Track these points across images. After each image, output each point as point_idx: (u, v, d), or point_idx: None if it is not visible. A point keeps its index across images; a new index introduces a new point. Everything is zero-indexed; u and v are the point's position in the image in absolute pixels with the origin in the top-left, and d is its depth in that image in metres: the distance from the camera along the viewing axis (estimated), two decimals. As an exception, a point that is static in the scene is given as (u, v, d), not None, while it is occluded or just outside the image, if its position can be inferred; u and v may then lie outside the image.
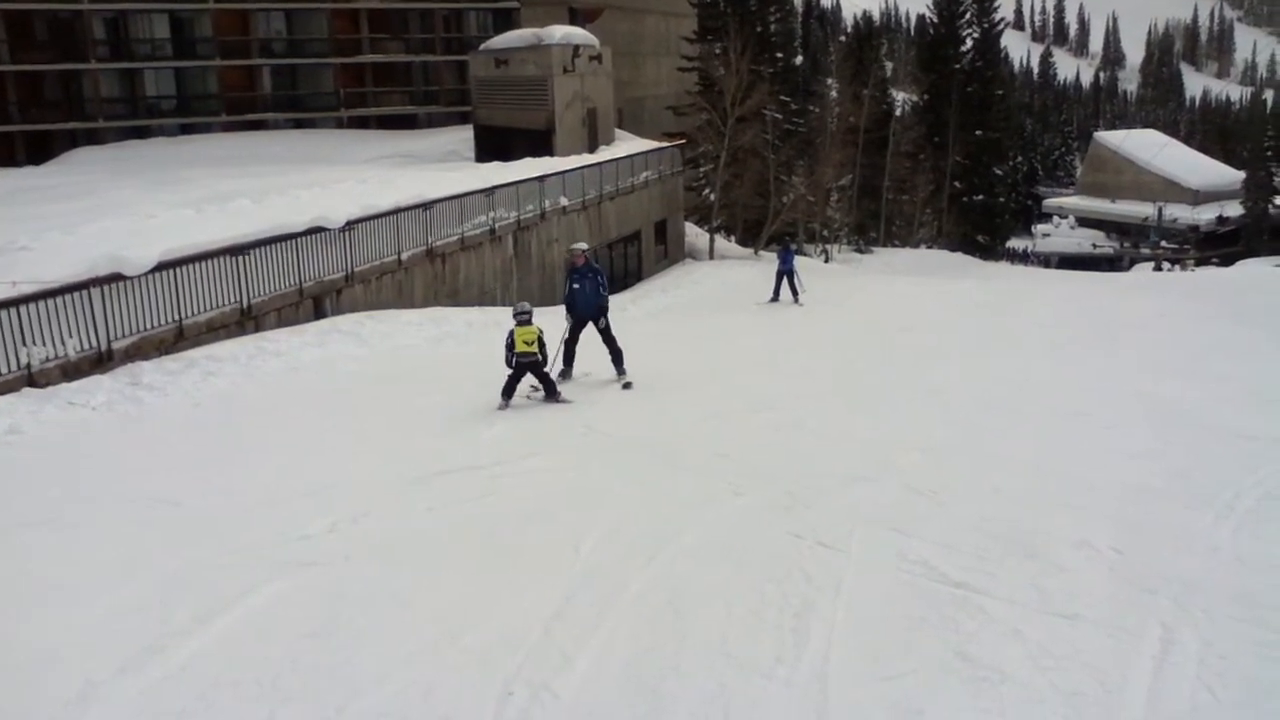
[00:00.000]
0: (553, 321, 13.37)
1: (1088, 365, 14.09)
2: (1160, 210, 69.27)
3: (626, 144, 35.60)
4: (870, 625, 5.54)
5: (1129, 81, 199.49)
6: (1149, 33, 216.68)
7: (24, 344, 11.50)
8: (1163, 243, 65.51)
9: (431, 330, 16.98)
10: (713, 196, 38.70)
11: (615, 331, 13.09)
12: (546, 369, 11.84)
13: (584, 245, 13.53)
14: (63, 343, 12.01)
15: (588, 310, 12.98)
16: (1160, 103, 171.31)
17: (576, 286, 12.96)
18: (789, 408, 11.34)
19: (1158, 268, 50.42)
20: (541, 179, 25.26)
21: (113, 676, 5.13)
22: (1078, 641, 5.30)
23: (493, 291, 22.39)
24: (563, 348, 12.99)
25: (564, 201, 26.25)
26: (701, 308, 25.34)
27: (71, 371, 12.02)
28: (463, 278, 21.26)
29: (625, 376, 12.83)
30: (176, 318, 13.68)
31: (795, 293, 23.28)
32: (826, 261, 42.46)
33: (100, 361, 12.45)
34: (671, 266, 34.57)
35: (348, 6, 42.65)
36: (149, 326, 13.23)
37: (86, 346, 12.33)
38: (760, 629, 5.54)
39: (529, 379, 11.80)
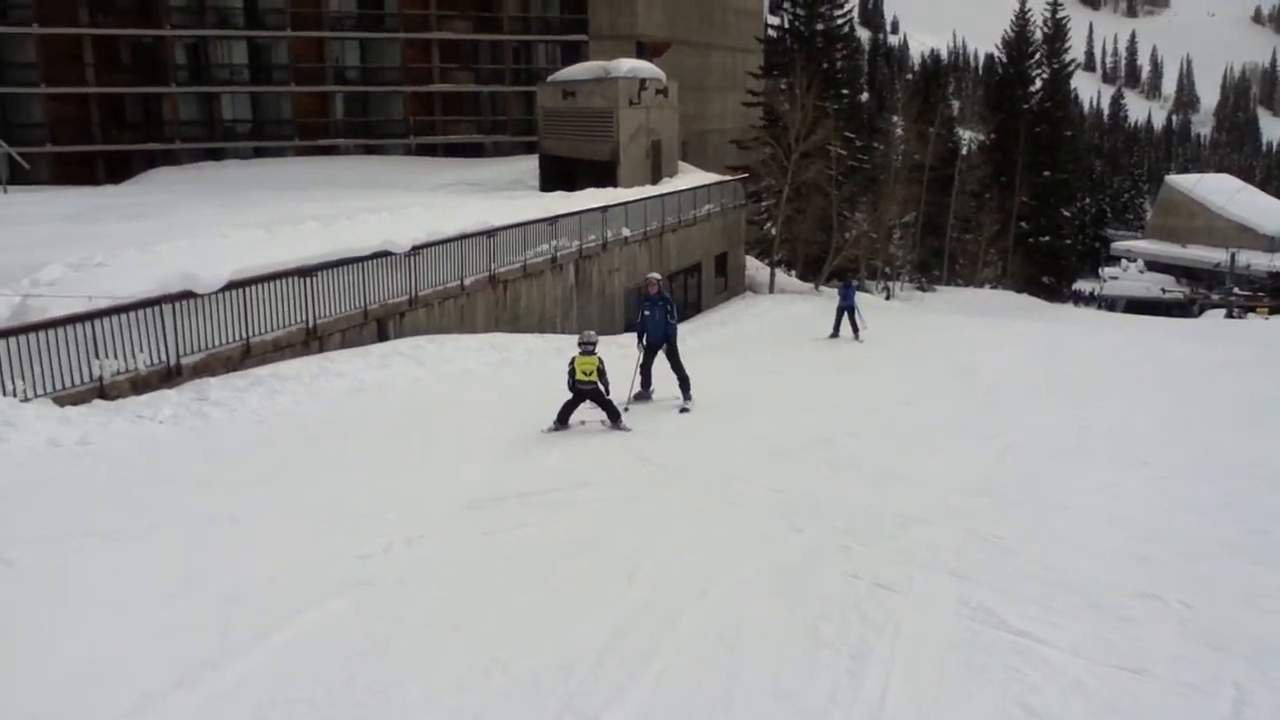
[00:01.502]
0: (614, 351, 13.46)
1: (1153, 413, 13.76)
2: (1233, 256, 67.64)
3: (690, 176, 35.67)
4: (928, 671, 5.41)
5: (1202, 125, 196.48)
6: (1224, 76, 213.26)
7: (97, 357, 11.81)
8: (1235, 289, 63.96)
9: (492, 356, 17.10)
10: (774, 230, 38.66)
11: (684, 360, 13.56)
12: (609, 396, 11.94)
13: (657, 275, 14.24)
14: (133, 357, 12.31)
15: (656, 336, 13.57)
16: (1235, 147, 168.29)
17: (647, 314, 13.63)
18: (847, 445, 11.23)
19: (1230, 314, 49.17)
20: (604, 209, 25.42)
21: (169, 690, 5.18)
22: (1144, 698, 5.12)
23: (553, 319, 22.53)
24: (638, 372, 13.61)
25: (626, 232, 26.37)
26: (761, 341, 25.21)
27: (141, 385, 12.31)
28: (524, 305, 21.43)
29: (686, 402, 13.30)
30: (244, 336, 13.97)
31: (856, 329, 23.07)
32: (888, 299, 42.13)
33: (169, 376, 12.73)
34: (731, 299, 34.52)
35: (420, 37, 43.46)
36: (217, 344, 13.52)
37: (156, 361, 12.62)
38: (815, 669, 5.44)
39: (591, 407, 11.92)
